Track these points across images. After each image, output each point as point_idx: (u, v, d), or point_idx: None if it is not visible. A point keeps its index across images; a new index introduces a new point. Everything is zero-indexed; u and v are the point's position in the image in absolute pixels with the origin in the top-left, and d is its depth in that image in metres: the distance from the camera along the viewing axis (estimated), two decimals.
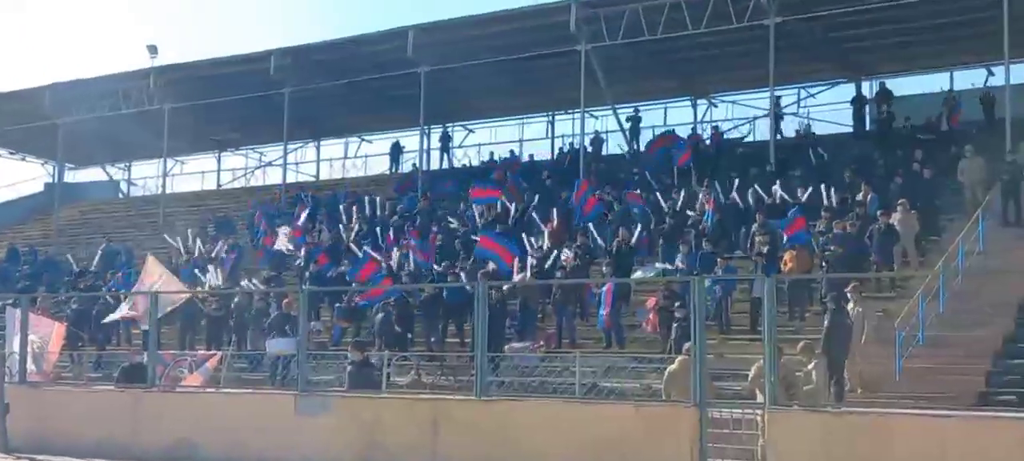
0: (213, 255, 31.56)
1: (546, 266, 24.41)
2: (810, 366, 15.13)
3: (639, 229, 25.47)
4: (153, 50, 41.94)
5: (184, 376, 19.16)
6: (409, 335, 23.36)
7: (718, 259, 22.37)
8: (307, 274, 27.22)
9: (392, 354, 21.39)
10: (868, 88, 35.07)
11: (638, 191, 28.45)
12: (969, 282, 20.24)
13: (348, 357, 16.89)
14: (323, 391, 16.33)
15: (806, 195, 25.32)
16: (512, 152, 39.09)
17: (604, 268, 23.27)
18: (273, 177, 45.03)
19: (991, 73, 32.49)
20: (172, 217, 39.11)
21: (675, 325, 18.75)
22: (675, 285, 20.66)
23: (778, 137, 31.43)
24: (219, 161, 48.80)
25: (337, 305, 24.90)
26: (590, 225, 26.68)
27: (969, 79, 34.30)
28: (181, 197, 44.93)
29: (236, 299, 24.88)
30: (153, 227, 39.32)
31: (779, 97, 34.10)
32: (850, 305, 18.25)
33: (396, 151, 42.64)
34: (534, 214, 28.49)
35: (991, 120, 29.25)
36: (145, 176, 51.05)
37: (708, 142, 33.64)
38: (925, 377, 17.19)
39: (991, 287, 19.86)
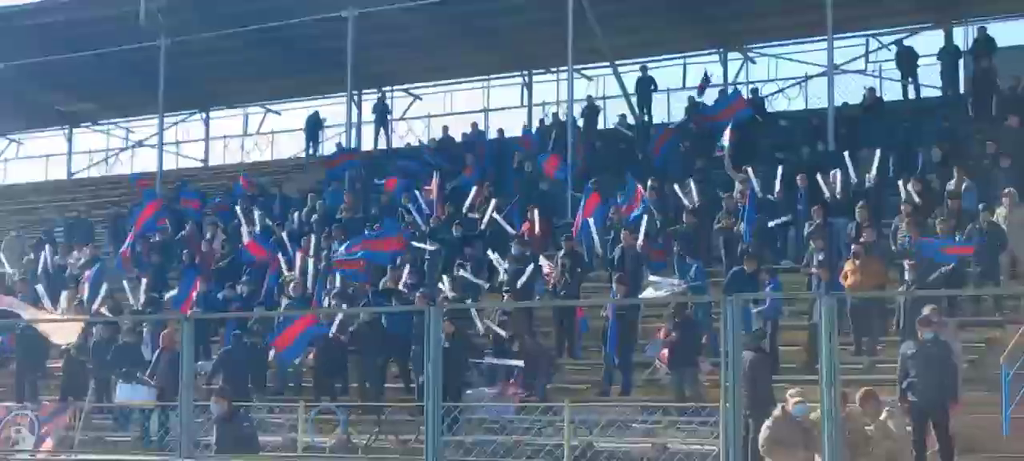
0: (62, 269, 31.41)
1: (520, 283, 24.45)
2: (883, 417, 15.16)
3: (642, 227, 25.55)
4: None
5: (23, 438, 19.02)
6: (336, 380, 23.34)
7: (760, 272, 22.49)
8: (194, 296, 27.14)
9: (311, 405, 21.33)
10: (962, 36, 35.31)
11: (648, 182, 28.52)
12: None
13: (212, 410, 16.89)
14: (216, 456, 16.26)
15: (875, 181, 25.48)
16: (474, 126, 39.08)
17: (615, 285, 23.28)
18: (145, 161, 44.87)
19: None
20: (4, 217, 38.83)
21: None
22: (690, 309, 20.77)
23: (839, 104, 31.57)
24: (70, 141, 48.55)
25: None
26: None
27: None
28: (17, 190, 44.61)
29: (95, 332, 24.71)
30: None
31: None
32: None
33: (314, 126, 42.57)
34: (496, 216, 28.29)
35: None
36: None
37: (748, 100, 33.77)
38: None
39: None
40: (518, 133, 37.16)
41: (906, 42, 35.04)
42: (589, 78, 39.21)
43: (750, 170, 26.82)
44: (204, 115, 46.79)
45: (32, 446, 18.73)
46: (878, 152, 26.12)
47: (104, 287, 28.55)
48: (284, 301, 26.10)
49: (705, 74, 37.54)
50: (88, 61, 38.01)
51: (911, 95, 34.09)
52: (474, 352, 22.48)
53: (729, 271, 23.19)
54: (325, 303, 25.74)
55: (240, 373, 22.22)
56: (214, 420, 16.78)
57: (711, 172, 28.78)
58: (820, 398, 12.29)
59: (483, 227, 28.02)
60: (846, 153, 26.38)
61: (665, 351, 21.05)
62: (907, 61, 34.22)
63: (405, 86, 43.13)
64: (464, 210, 29.09)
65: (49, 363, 25.60)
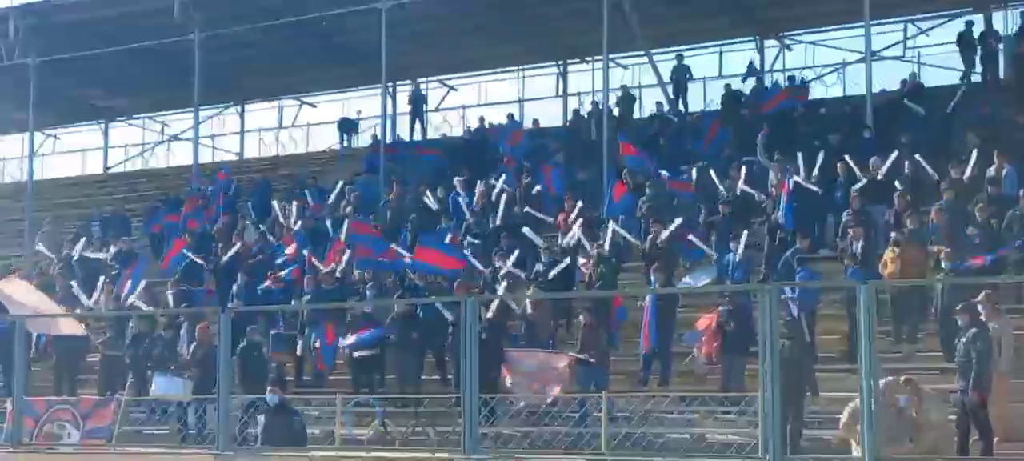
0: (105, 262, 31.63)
1: (553, 274, 24.45)
2: (925, 406, 15.12)
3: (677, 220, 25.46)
4: None
5: (66, 433, 19.16)
6: (373, 372, 23.47)
7: (796, 257, 22.46)
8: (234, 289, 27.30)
9: (349, 396, 21.43)
10: (1003, 21, 35.07)
11: (683, 173, 28.49)
12: None
13: (268, 400, 16.98)
14: (255, 451, 16.36)
15: (913, 168, 25.36)
16: (511, 116, 39.10)
17: (652, 275, 23.32)
18: (181, 155, 45.09)
19: None
20: (41, 213, 39.06)
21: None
22: (739, 296, 20.71)
23: (877, 90, 31.42)
24: (106, 135, 48.83)
25: (272, 333, 24.96)
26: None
27: None
28: (53, 185, 44.85)
29: (132, 327, 24.90)
30: (15, 227, 39.31)
31: None
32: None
33: (347, 128, 42.76)
34: (529, 209, 28.41)
35: None
36: (3, 157, 51.18)
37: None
38: None
39: None
40: (552, 124, 37.33)
41: (952, 25, 34.81)
42: (624, 67, 39.15)
43: (791, 160, 26.80)
44: (239, 108, 47.00)
45: (77, 441, 18.85)
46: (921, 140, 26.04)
47: (143, 282, 28.73)
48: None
49: (750, 63, 37.55)
50: (123, 56, 38.16)
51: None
52: (511, 341, 22.54)
53: (780, 257, 23.15)
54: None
55: (260, 371, 22.24)
56: (264, 410, 16.88)
57: (753, 163, 28.74)
58: (859, 387, 12.33)
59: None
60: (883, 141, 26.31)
61: (704, 341, 21.02)
62: (968, 45, 33.75)
63: (439, 77, 43.16)
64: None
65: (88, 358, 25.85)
